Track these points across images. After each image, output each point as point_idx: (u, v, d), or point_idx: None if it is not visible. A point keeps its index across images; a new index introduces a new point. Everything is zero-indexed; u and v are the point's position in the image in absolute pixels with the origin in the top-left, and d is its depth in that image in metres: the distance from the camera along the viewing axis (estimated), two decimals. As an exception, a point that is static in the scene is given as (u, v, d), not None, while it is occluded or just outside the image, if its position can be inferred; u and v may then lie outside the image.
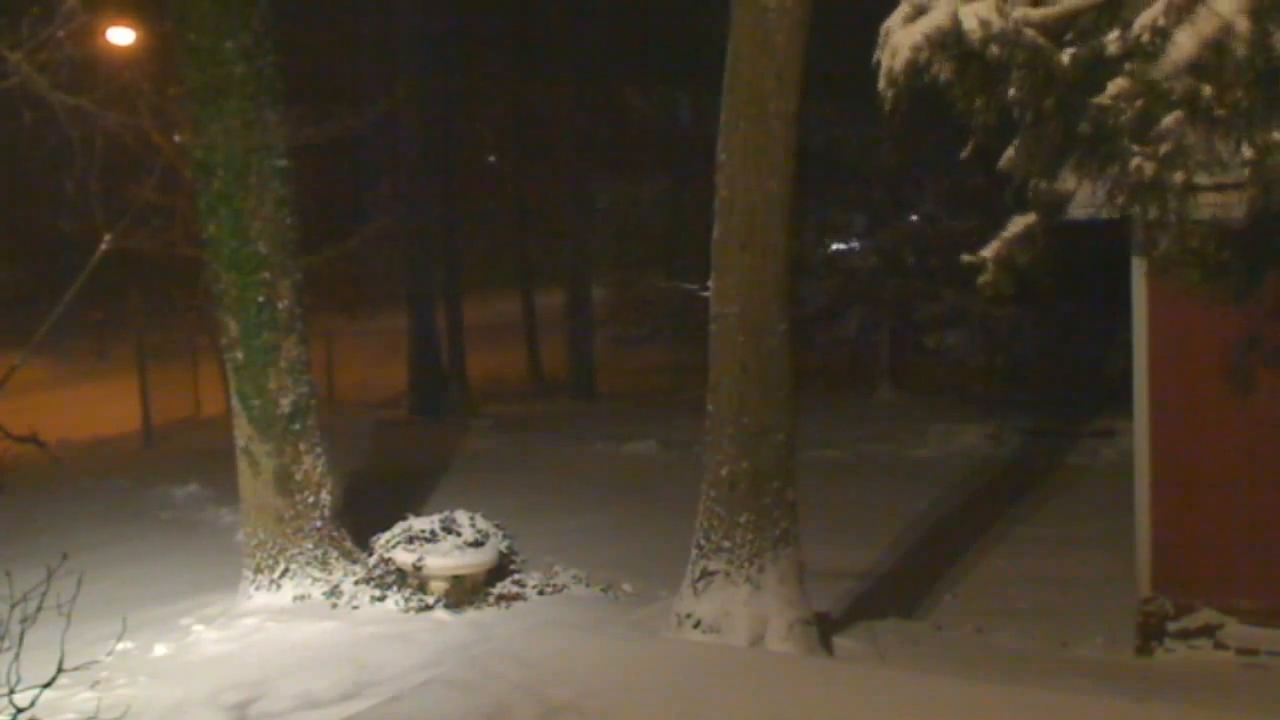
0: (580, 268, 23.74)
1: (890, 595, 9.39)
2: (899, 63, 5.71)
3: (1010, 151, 6.10)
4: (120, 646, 7.41)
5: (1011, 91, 5.61)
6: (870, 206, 20.64)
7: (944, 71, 5.71)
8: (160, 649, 8.15)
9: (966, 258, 6.16)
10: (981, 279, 6.11)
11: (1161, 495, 7.71)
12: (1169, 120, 5.20)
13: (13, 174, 25.32)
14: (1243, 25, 5.02)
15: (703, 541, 7.60)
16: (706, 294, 7.80)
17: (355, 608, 8.74)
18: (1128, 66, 5.27)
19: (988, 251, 6.13)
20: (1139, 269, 7.62)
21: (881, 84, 5.85)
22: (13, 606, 4.67)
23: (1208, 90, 5.13)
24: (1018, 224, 6.19)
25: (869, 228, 21.02)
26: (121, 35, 16.13)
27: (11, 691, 4.75)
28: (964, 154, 6.04)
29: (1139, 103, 5.24)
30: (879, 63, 5.88)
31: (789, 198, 7.37)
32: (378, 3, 22.56)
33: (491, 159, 30.72)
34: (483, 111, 26.82)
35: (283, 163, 9.10)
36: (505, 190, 26.85)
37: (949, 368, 19.61)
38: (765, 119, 7.26)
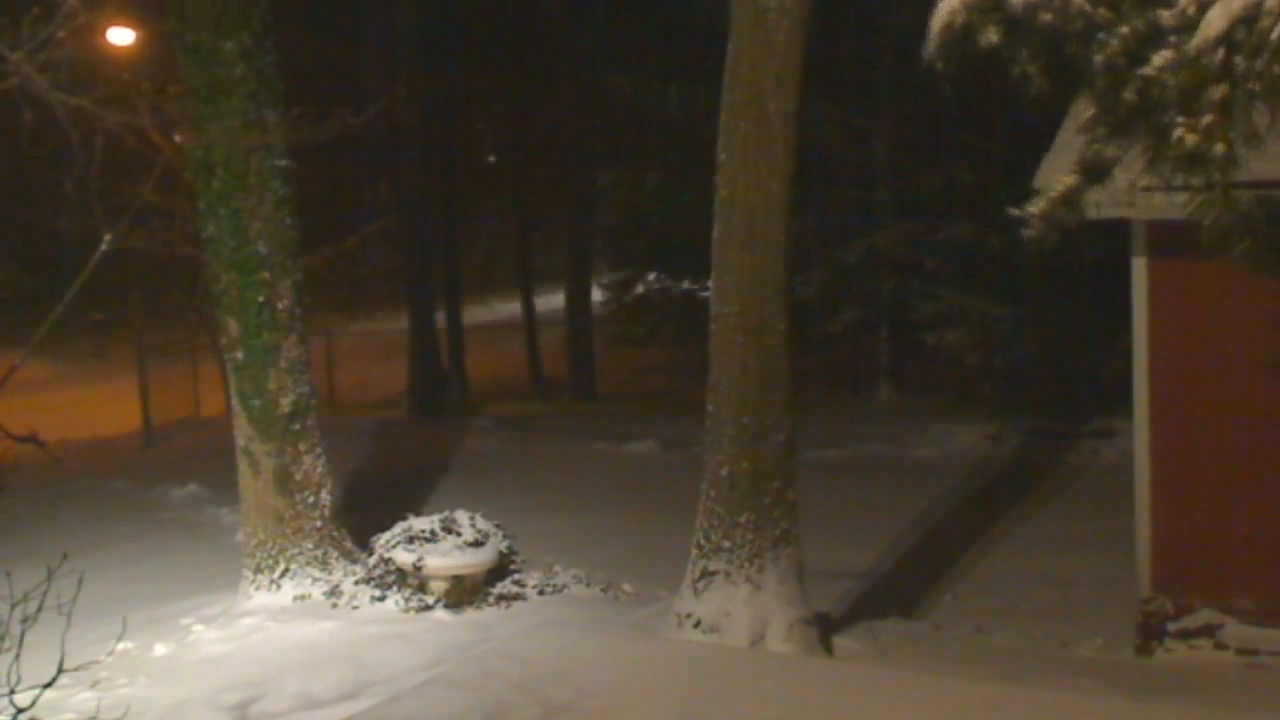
0: (580, 268, 23.73)
1: (890, 595, 9.37)
2: (936, 25, 5.68)
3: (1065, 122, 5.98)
4: (120, 646, 7.40)
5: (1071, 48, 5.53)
6: (866, 207, 20.52)
7: (992, 35, 5.65)
8: (160, 649, 8.15)
9: (1013, 211, 6.16)
10: (1028, 233, 6.10)
11: (1161, 495, 7.70)
12: (1214, 92, 5.17)
13: (13, 174, 25.32)
14: (1273, 1, 4.99)
15: (703, 541, 7.60)
16: (706, 294, 7.80)
17: (355, 608, 8.74)
18: (1173, 39, 5.25)
19: (1034, 208, 6.12)
20: (1139, 268, 7.62)
21: (930, 49, 5.80)
22: (13, 606, 4.67)
23: (1241, 63, 5.09)
24: (1061, 184, 6.18)
25: (863, 229, 20.84)
26: (121, 35, 16.15)
27: (12, 691, 4.75)
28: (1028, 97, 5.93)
29: (1183, 74, 5.21)
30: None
31: (789, 197, 7.38)
32: (378, 3, 22.58)
33: (491, 159, 30.77)
34: (483, 111, 26.85)
35: (283, 163, 9.10)
36: (505, 190, 26.88)
37: (948, 367, 19.56)
38: (765, 119, 7.26)
